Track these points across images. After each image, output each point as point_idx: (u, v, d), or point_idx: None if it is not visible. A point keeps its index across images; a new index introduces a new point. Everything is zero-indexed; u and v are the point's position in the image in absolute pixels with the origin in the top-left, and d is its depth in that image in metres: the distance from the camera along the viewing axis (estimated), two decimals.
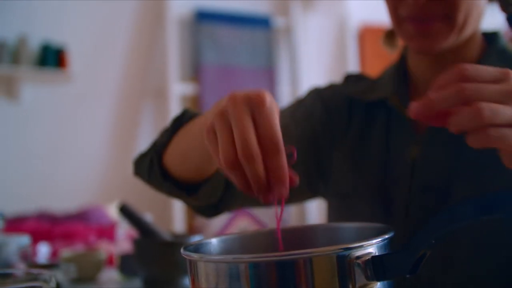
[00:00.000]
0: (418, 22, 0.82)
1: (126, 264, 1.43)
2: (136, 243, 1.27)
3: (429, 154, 0.86)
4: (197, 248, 0.57)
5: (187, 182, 0.84)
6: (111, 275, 1.51)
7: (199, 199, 0.84)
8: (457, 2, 0.80)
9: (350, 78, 1.03)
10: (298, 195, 0.99)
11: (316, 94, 1.01)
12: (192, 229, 3.33)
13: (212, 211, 0.91)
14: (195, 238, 1.30)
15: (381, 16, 3.95)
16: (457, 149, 0.84)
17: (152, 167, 0.85)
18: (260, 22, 3.67)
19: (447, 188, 0.83)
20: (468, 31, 0.84)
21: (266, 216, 3.38)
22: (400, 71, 0.95)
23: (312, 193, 0.99)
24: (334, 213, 0.96)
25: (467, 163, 0.82)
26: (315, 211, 3.65)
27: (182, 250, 0.53)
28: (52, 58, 3.17)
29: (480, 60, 0.88)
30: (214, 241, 0.60)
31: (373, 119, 0.94)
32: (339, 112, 0.97)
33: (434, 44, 0.83)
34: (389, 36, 0.99)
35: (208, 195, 0.84)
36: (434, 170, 0.85)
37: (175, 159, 0.83)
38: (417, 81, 0.93)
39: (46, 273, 0.72)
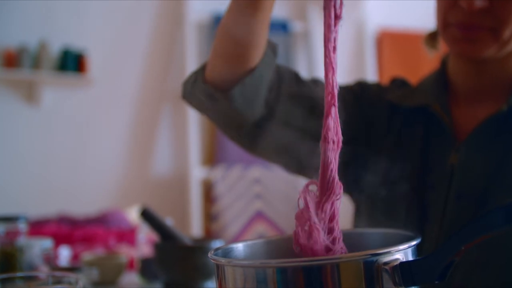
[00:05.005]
0: (464, 28, 0.84)
1: (147, 268, 1.44)
2: (157, 247, 1.27)
3: (469, 161, 0.87)
4: (224, 253, 0.58)
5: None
6: (131, 278, 1.53)
7: (242, 95, 0.83)
8: (505, 18, 0.82)
9: (395, 83, 1.04)
10: None
11: (366, 86, 1.01)
12: (209, 234, 3.34)
13: (251, 134, 0.89)
14: (215, 243, 1.30)
15: (399, 21, 3.95)
16: (497, 158, 0.84)
17: (196, 80, 0.86)
18: (278, 27, 3.67)
19: (484, 196, 0.83)
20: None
21: (283, 221, 3.38)
22: (441, 79, 0.96)
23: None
24: (365, 216, 0.96)
25: (506, 172, 0.83)
26: None
27: (210, 254, 0.54)
28: (72, 62, 3.20)
29: None
30: (240, 246, 0.61)
31: (412, 124, 0.95)
32: (379, 114, 0.98)
33: (476, 50, 0.85)
34: (432, 37, 1.00)
35: (246, 92, 0.83)
36: (472, 178, 0.86)
37: (217, 49, 0.83)
38: (457, 89, 0.94)
39: (71, 275, 0.73)
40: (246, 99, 0.83)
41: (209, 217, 3.40)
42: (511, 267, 0.80)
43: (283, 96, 0.88)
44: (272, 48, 0.87)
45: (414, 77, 1.08)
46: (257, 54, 0.82)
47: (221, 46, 0.82)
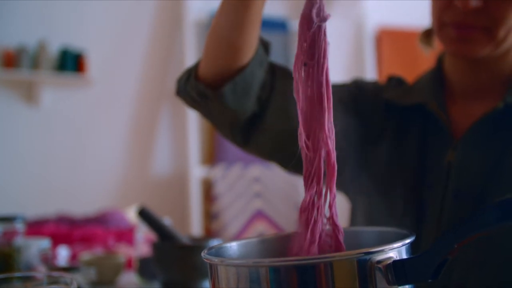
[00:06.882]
0: (460, 28, 0.84)
1: (145, 268, 1.44)
2: (155, 246, 1.27)
3: (466, 159, 0.86)
4: (218, 252, 0.58)
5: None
6: (130, 278, 1.52)
7: (233, 94, 0.83)
8: (500, 18, 0.82)
9: (391, 81, 1.03)
10: None
11: (363, 85, 1.01)
12: (209, 233, 3.34)
13: (243, 132, 0.90)
14: (214, 242, 1.30)
15: (399, 19, 3.94)
16: (495, 155, 0.84)
17: (189, 77, 0.87)
18: (276, 26, 3.67)
19: (482, 194, 0.83)
20: (507, 45, 0.85)
21: (283, 220, 3.38)
22: (437, 77, 0.96)
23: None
24: (362, 214, 0.95)
25: (504, 170, 0.82)
26: None
27: (203, 254, 0.53)
28: (71, 62, 3.20)
29: None
30: (234, 245, 0.60)
31: (408, 123, 0.95)
32: (376, 112, 0.97)
33: (471, 50, 0.85)
34: (426, 35, 1.01)
35: (237, 90, 0.83)
36: (470, 176, 0.85)
37: (208, 49, 0.84)
38: (453, 87, 0.94)
39: (67, 276, 0.73)
40: (237, 97, 0.83)
41: (209, 216, 3.39)
42: (508, 266, 0.80)
43: (276, 93, 0.88)
44: (264, 46, 0.87)
45: (413, 76, 1.07)
46: (249, 53, 0.82)
47: (213, 44, 0.82)
